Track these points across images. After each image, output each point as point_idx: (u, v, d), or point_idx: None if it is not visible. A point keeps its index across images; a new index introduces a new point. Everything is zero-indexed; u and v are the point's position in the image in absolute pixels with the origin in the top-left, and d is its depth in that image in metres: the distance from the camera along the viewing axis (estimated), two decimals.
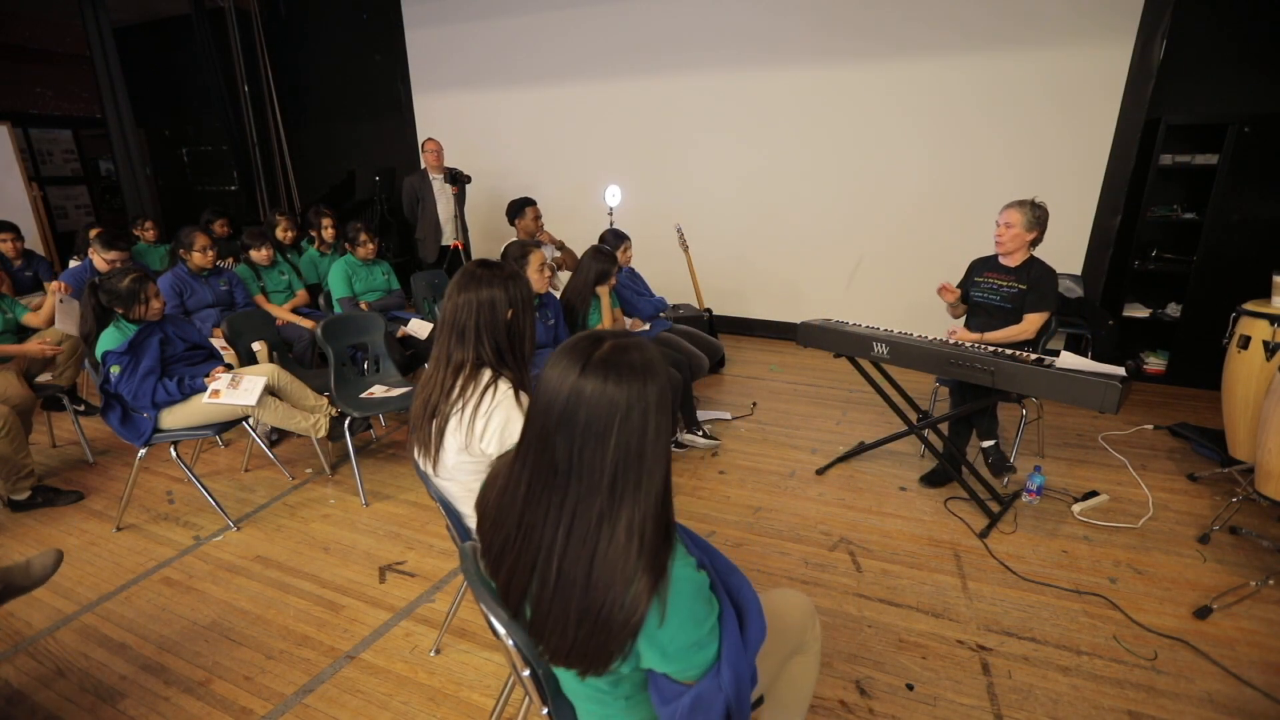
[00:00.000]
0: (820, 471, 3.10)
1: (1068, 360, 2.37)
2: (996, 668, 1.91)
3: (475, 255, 4.87)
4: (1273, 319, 2.84)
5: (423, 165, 5.15)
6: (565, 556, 0.92)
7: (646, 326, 3.60)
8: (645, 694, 1.06)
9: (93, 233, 3.97)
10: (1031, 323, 2.79)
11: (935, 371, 2.64)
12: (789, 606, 1.37)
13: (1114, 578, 2.31)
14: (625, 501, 0.90)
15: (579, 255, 3.27)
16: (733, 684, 0.94)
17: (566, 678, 1.08)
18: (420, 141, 5.11)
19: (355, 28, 6.51)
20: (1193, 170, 3.90)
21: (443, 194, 5.10)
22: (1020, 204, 2.79)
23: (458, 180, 5.03)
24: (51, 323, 3.33)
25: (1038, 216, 2.77)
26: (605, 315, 3.21)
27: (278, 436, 3.48)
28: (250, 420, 2.91)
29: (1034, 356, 2.43)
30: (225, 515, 2.76)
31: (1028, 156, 4.30)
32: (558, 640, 0.94)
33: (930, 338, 2.73)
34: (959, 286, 3.08)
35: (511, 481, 1.00)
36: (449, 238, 5.16)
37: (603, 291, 3.19)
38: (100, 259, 3.66)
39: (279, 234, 4.58)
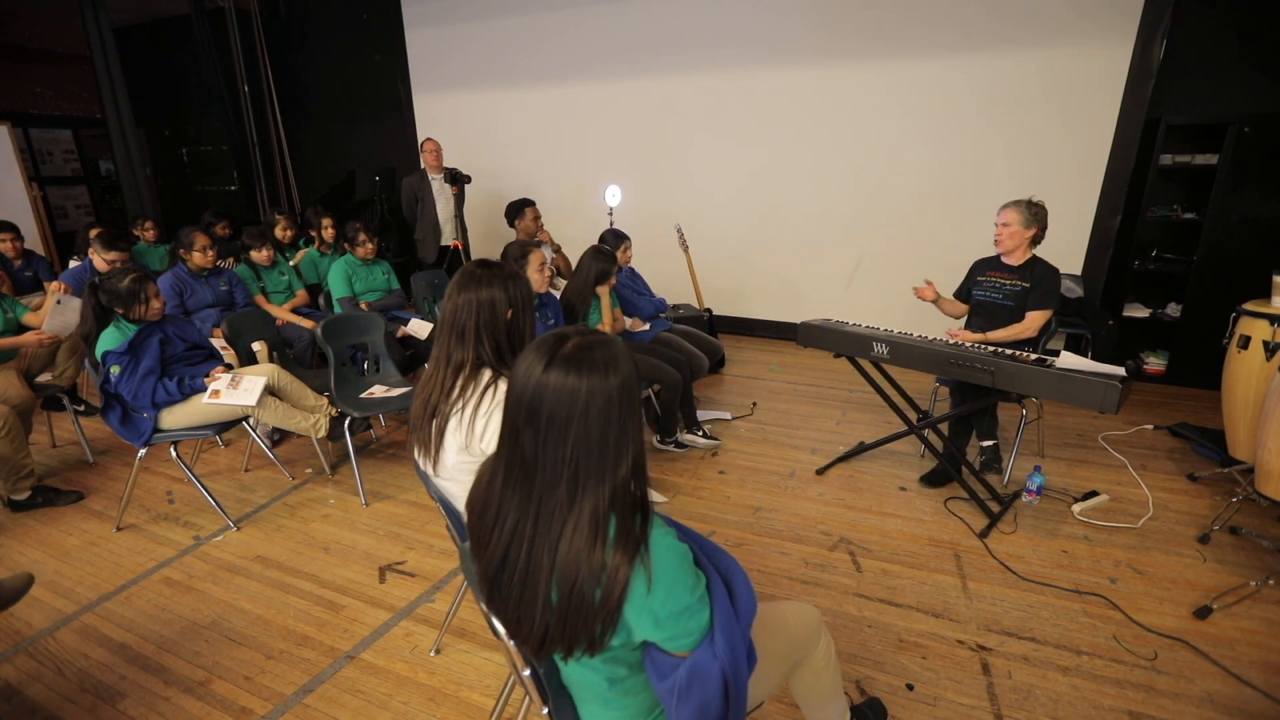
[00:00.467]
0: (820, 471, 3.10)
1: (1068, 360, 2.37)
2: (996, 668, 1.91)
3: (475, 255, 4.87)
4: (1273, 319, 2.84)
5: (422, 165, 5.15)
6: (534, 545, 0.95)
7: (646, 326, 3.60)
8: (640, 677, 1.07)
9: (93, 233, 3.97)
10: (1034, 320, 2.79)
11: (935, 371, 2.64)
12: (793, 616, 1.37)
13: (1114, 578, 2.31)
14: (588, 492, 0.93)
15: (578, 256, 3.27)
16: (727, 651, 0.96)
17: (565, 666, 1.08)
18: (420, 141, 5.12)
19: (355, 28, 6.50)
20: (1193, 170, 3.90)
21: (442, 194, 5.09)
22: (1016, 203, 2.80)
23: (457, 180, 5.02)
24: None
25: (1034, 214, 2.77)
26: (605, 315, 3.21)
27: (280, 436, 3.48)
28: (251, 420, 2.91)
29: (1034, 356, 2.43)
30: (225, 515, 2.76)
31: (1028, 156, 4.30)
32: (528, 628, 0.96)
33: (930, 338, 2.73)
34: (960, 286, 3.08)
35: (490, 474, 1.03)
36: (448, 238, 5.16)
37: (603, 291, 3.19)
38: (100, 259, 3.66)
39: (278, 233, 4.59)
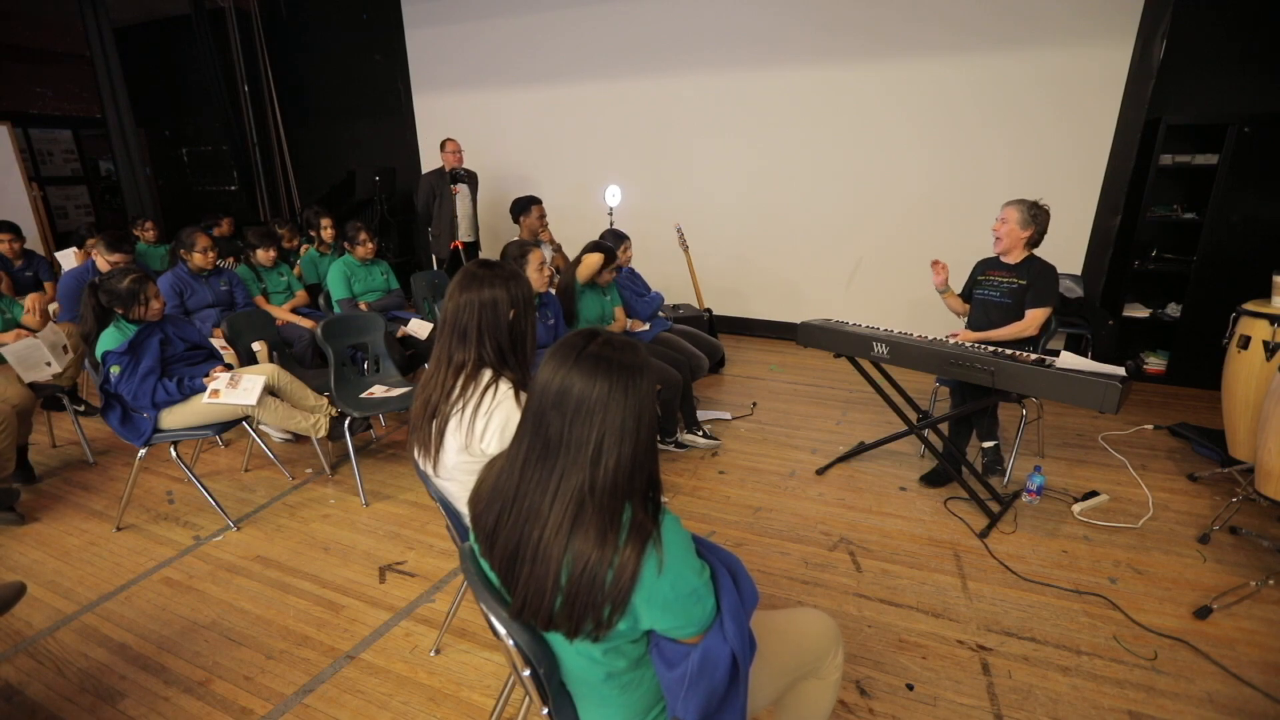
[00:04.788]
0: (820, 471, 3.10)
1: (1068, 360, 2.37)
2: (996, 668, 1.91)
3: (485, 255, 4.87)
4: (1273, 319, 2.84)
5: (441, 164, 5.18)
6: (548, 523, 0.98)
7: (646, 327, 3.60)
8: (638, 673, 1.08)
9: (90, 242, 3.98)
10: (1034, 318, 2.79)
11: (935, 371, 2.64)
12: (811, 625, 1.36)
13: (1114, 578, 2.31)
14: (608, 475, 0.97)
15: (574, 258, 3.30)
16: (736, 634, 1.00)
17: (566, 657, 1.08)
18: (440, 141, 5.15)
19: (355, 28, 6.51)
20: (1193, 170, 3.90)
21: (460, 193, 5.14)
22: (1018, 201, 2.81)
23: (457, 179, 5.04)
24: (45, 323, 3.28)
25: (1034, 215, 2.77)
26: (597, 305, 3.23)
27: (292, 436, 3.47)
28: (263, 426, 2.89)
29: (1034, 356, 2.43)
30: (225, 515, 2.76)
31: (1028, 156, 4.30)
32: (537, 604, 0.99)
33: (930, 338, 2.73)
34: (964, 287, 3.09)
35: (509, 460, 1.06)
36: (463, 234, 5.21)
37: (602, 281, 3.21)
38: (104, 261, 3.67)
39: (283, 246, 4.66)
